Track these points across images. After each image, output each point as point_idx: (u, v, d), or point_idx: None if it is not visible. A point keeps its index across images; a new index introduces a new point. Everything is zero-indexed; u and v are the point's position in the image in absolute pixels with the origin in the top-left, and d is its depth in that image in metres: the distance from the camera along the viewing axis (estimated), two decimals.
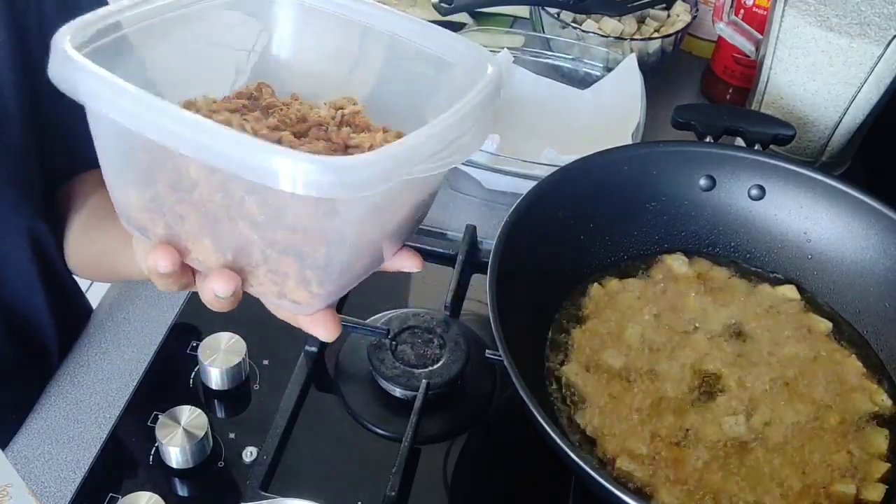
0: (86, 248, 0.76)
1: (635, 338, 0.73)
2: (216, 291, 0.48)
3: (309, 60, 0.57)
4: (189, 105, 0.51)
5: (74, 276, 0.83)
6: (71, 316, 0.81)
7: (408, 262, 0.54)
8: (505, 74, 0.51)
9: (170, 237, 0.49)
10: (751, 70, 1.02)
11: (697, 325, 0.75)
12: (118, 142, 0.47)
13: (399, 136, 0.53)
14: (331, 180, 0.40)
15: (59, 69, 0.44)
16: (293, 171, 0.40)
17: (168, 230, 0.49)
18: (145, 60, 0.54)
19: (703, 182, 0.80)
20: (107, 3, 0.76)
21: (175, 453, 0.65)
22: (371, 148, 0.50)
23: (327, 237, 0.46)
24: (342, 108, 0.54)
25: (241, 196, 0.44)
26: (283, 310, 0.53)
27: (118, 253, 0.67)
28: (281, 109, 0.53)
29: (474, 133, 0.47)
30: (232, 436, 0.69)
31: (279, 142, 0.49)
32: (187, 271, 0.50)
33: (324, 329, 0.51)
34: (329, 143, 0.51)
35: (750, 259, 0.81)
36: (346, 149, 0.51)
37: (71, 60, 0.43)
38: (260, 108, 0.53)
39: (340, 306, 0.78)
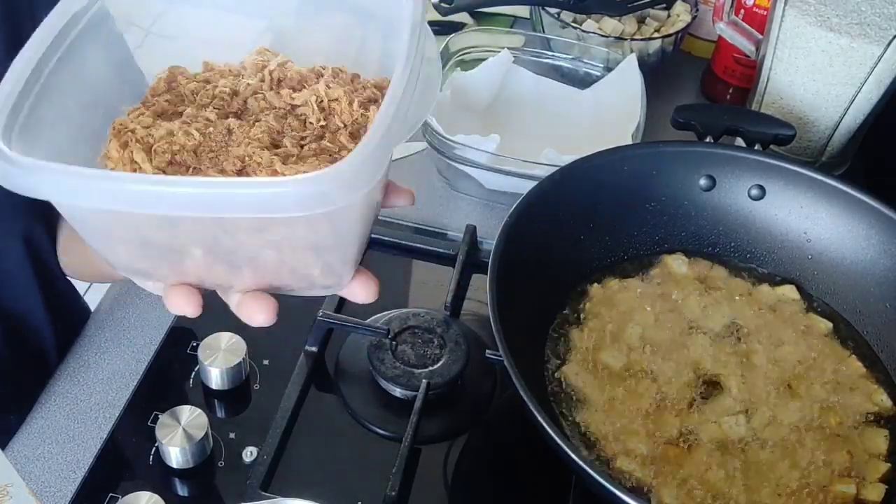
0: (77, 248, 0.75)
1: (635, 338, 0.73)
2: (259, 323, 0.46)
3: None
4: (122, 128, 0.49)
5: (71, 281, 0.83)
6: (68, 318, 0.81)
7: (401, 198, 0.52)
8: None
9: (179, 274, 0.47)
10: (751, 70, 1.02)
11: (697, 325, 0.75)
12: (89, 214, 0.45)
13: (335, 72, 0.51)
14: (335, 190, 0.40)
15: (5, 178, 0.40)
16: (299, 197, 0.39)
17: (174, 268, 0.47)
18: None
19: (703, 182, 0.80)
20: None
21: (175, 453, 0.65)
22: (319, 101, 0.49)
23: (331, 222, 0.45)
24: (266, 67, 0.52)
25: None
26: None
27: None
28: (206, 90, 0.51)
29: (427, 81, 0.46)
30: (232, 436, 0.69)
31: (228, 131, 0.48)
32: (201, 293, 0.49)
33: (365, 291, 0.49)
34: (275, 110, 0.50)
35: (750, 259, 0.81)
36: (293, 109, 0.50)
37: (15, 167, 0.40)
38: (185, 98, 0.51)
39: (340, 307, 0.78)
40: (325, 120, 0.50)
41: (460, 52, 1.03)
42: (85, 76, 0.50)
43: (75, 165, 0.41)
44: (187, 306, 0.46)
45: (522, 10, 1.17)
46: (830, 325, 0.76)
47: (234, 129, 0.49)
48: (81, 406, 0.72)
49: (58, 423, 0.71)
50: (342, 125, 0.49)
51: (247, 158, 0.47)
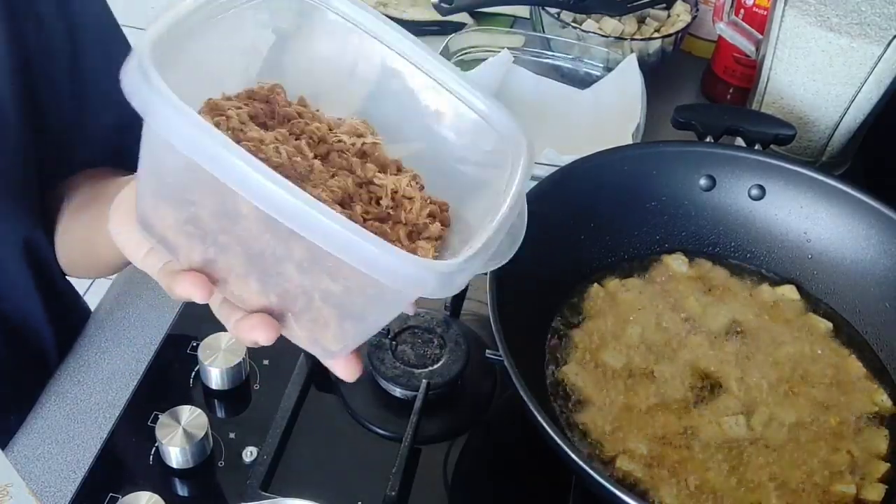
0: (70, 239, 0.75)
1: (635, 338, 0.73)
2: (257, 341, 0.46)
3: (311, 67, 0.57)
4: (214, 108, 0.49)
5: (70, 281, 0.83)
6: (68, 318, 0.81)
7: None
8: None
9: (205, 265, 0.47)
10: (751, 70, 1.02)
11: (697, 325, 0.75)
12: (172, 160, 0.45)
13: (415, 178, 0.54)
14: (437, 285, 0.43)
15: (138, 93, 0.41)
16: (410, 277, 0.43)
17: (205, 258, 0.47)
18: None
19: (703, 182, 0.80)
20: (107, 5, 0.76)
21: (175, 453, 0.65)
22: (395, 193, 0.52)
23: (368, 292, 0.46)
24: (362, 136, 0.54)
25: (288, 237, 0.43)
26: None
27: (97, 233, 0.66)
28: (297, 122, 0.52)
29: (520, 215, 0.50)
30: (232, 436, 0.69)
31: (311, 169, 0.49)
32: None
33: (347, 371, 0.50)
34: (354, 175, 0.51)
35: (750, 259, 0.81)
36: (369, 184, 0.52)
37: (157, 91, 0.40)
38: (278, 118, 0.52)
39: None
40: (392, 210, 0.52)
41: (460, 52, 1.03)
42: (214, 45, 0.50)
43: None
44: (195, 290, 0.46)
45: (522, 10, 1.17)
46: (830, 325, 0.76)
47: (315, 170, 0.49)
48: (81, 406, 0.72)
49: (58, 423, 0.70)
50: (404, 222, 0.51)
51: None
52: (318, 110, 0.55)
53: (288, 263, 0.45)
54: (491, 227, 0.46)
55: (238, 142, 0.47)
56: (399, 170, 0.54)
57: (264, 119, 0.52)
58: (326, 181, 0.49)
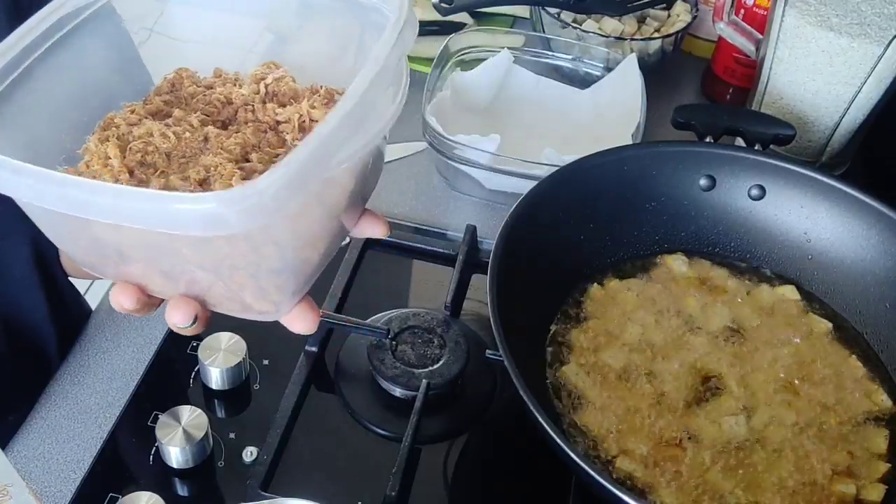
0: None
1: (635, 338, 0.73)
2: (176, 322, 0.47)
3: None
4: (108, 124, 0.49)
5: (72, 282, 0.83)
6: (70, 321, 0.81)
7: (374, 228, 0.52)
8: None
9: (123, 276, 0.48)
10: (751, 70, 1.02)
11: (697, 325, 0.75)
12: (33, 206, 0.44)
13: (329, 94, 0.50)
14: (235, 214, 0.38)
15: None
16: (194, 217, 0.38)
17: (117, 269, 0.48)
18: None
19: (703, 182, 0.80)
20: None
21: (175, 453, 0.65)
22: (301, 120, 0.48)
23: (272, 241, 0.44)
24: (263, 80, 0.52)
25: None
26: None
27: None
28: (204, 95, 0.51)
29: (388, 96, 0.45)
30: (232, 436, 0.69)
31: (205, 139, 0.48)
32: (153, 298, 0.49)
33: (301, 323, 0.49)
34: (257, 123, 0.50)
35: (750, 259, 0.81)
36: (277, 125, 0.50)
37: None
38: (183, 100, 0.51)
39: (341, 307, 0.78)
40: (301, 140, 0.48)
41: (460, 52, 1.03)
42: (78, 69, 0.50)
43: (50, 153, 0.41)
44: (123, 298, 0.47)
45: (522, 10, 1.17)
46: (830, 325, 0.76)
47: (210, 138, 0.48)
48: (81, 406, 0.72)
49: (58, 423, 0.71)
50: None
51: (212, 168, 0.47)
52: (236, 76, 0.53)
53: (182, 247, 0.44)
54: (313, 136, 0.41)
55: (127, 145, 0.47)
56: (316, 93, 0.51)
57: (168, 108, 0.51)
58: (224, 143, 0.48)
